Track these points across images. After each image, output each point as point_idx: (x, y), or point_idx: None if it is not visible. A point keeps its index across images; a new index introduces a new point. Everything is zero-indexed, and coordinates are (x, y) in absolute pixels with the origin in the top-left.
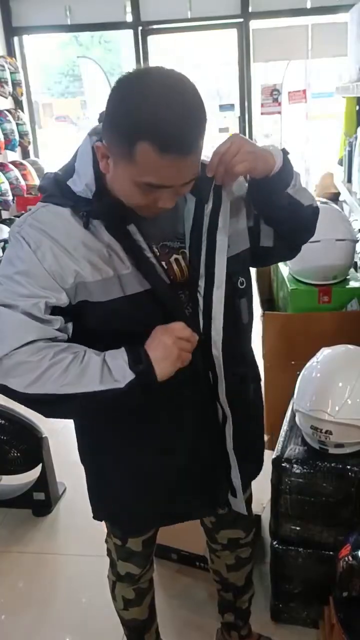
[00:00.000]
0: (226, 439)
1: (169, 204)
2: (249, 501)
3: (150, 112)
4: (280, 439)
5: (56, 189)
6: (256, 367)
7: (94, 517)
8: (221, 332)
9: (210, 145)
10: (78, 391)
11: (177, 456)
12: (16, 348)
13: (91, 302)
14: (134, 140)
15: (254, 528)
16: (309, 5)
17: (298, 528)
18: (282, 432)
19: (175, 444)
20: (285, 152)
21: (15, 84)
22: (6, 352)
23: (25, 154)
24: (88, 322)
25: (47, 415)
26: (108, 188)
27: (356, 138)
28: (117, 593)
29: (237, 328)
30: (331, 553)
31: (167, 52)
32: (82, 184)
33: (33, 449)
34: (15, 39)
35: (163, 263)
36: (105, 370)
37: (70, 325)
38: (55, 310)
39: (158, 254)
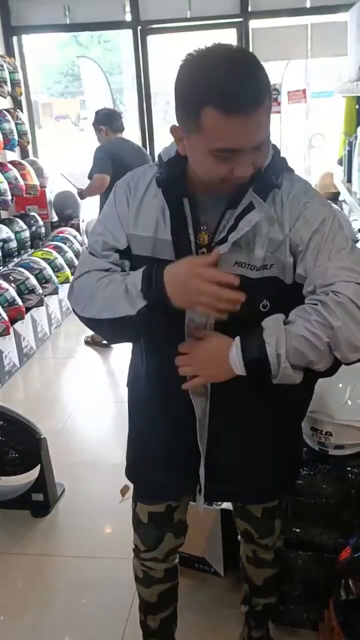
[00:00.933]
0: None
1: (245, 172)
2: (273, 510)
3: (211, 77)
4: None
5: (159, 154)
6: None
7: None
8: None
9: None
10: (104, 317)
11: (161, 435)
12: (77, 277)
13: (132, 252)
14: (199, 108)
15: (277, 536)
16: (308, 5)
17: (298, 530)
18: None
19: (160, 426)
20: (253, 366)
21: (14, 84)
22: (72, 281)
23: (24, 154)
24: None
25: (109, 341)
26: (188, 168)
27: (356, 137)
28: (133, 563)
29: None
30: (331, 555)
31: (167, 52)
32: (169, 149)
33: (32, 449)
34: (14, 38)
35: (205, 250)
36: (125, 296)
37: (127, 263)
38: (114, 250)
39: (207, 241)
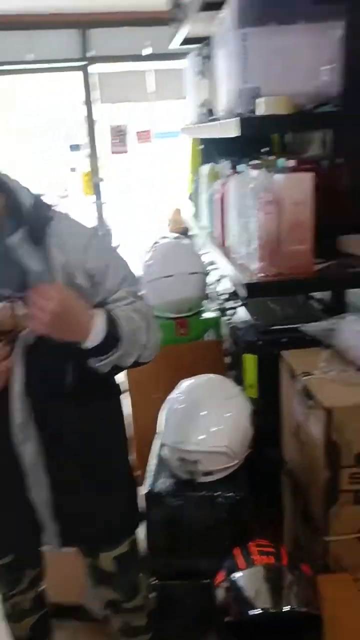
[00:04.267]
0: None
1: None
2: (127, 560)
3: None
4: (150, 473)
5: None
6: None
7: None
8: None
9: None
10: None
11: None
12: None
13: None
14: None
15: (141, 591)
16: (147, 52)
17: (175, 560)
18: (151, 467)
19: None
20: (111, 332)
21: None
22: None
23: None
24: None
25: None
26: None
27: (199, 176)
28: (2, 604)
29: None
30: (208, 581)
31: (9, 95)
32: None
33: None
34: None
35: None
36: None
37: None
38: None
39: None
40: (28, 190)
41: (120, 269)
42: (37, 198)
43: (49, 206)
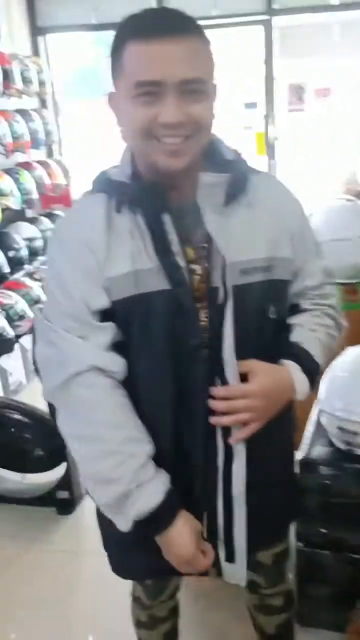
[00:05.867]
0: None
1: (171, 117)
2: (283, 555)
3: (132, 17)
4: (306, 439)
5: (96, 181)
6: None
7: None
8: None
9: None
10: (87, 484)
11: None
12: (66, 378)
13: (112, 299)
14: (121, 49)
15: (286, 580)
16: (336, 2)
17: (325, 530)
18: (307, 433)
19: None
20: (314, 376)
21: (40, 84)
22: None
23: (50, 153)
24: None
25: None
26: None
27: None
28: (132, 609)
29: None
30: (359, 556)
31: None
32: (119, 170)
33: (57, 447)
34: (40, 38)
35: (196, 267)
36: (120, 505)
37: (115, 333)
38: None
39: (194, 256)
40: (227, 146)
41: (312, 235)
42: (237, 153)
43: (247, 162)
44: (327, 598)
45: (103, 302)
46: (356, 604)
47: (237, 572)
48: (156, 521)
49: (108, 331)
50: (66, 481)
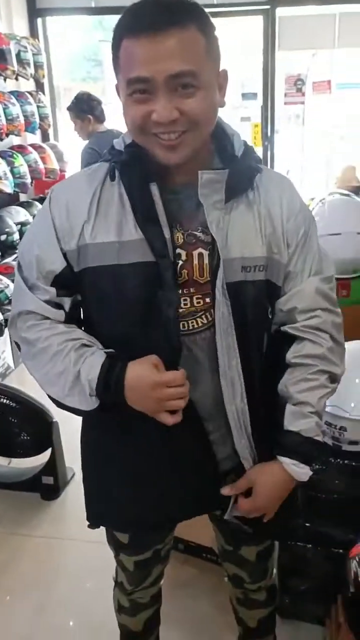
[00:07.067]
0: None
1: (163, 115)
2: (267, 551)
3: (128, 11)
4: None
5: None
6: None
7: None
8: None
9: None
10: (48, 392)
11: (162, 454)
12: (16, 315)
13: (89, 265)
14: (118, 43)
15: (269, 576)
16: None
17: (308, 524)
18: None
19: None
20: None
21: (37, 66)
22: (12, 317)
23: (45, 137)
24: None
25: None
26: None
27: None
28: (114, 594)
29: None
30: (341, 550)
31: None
32: (121, 139)
33: (43, 433)
34: (39, 20)
35: (181, 252)
36: (76, 387)
37: (67, 301)
38: (52, 275)
39: (182, 240)
40: (239, 136)
41: (317, 251)
42: (247, 146)
43: (258, 158)
44: (308, 591)
45: (56, 267)
46: (337, 597)
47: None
48: (111, 377)
49: (52, 295)
50: (51, 467)
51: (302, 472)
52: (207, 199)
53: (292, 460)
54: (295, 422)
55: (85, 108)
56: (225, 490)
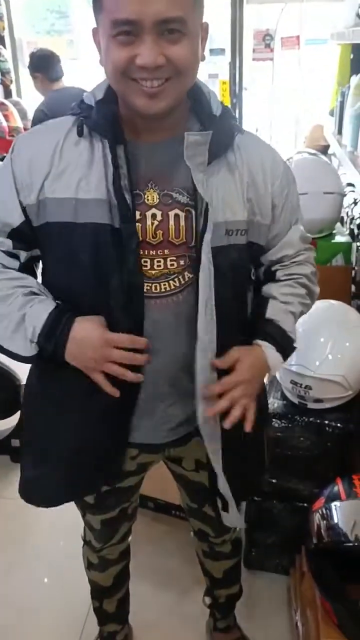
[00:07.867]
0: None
1: (148, 59)
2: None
3: None
4: None
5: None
6: None
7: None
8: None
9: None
10: None
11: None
12: None
13: (49, 223)
14: None
15: (234, 535)
16: None
17: (274, 480)
18: None
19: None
20: (288, 352)
21: None
22: None
23: (7, 94)
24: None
25: None
26: (120, 112)
27: (349, 88)
28: (83, 552)
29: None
30: (305, 505)
31: None
32: (90, 94)
33: (10, 396)
34: None
35: (157, 212)
36: (19, 331)
37: (23, 254)
38: (8, 228)
39: (157, 200)
40: (216, 95)
41: (296, 203)
42: (225, 107)
43: (235, 118)
44: (273, 543)
45: (13, 221)
46: (301, 549)
47: (233, 518)
48: (57, 325)
49: (8, 246)
50: (20, 429)
51: (276, 359)
52: (192, 161)
53: (270, 345)
54: (277, 314)
55: (36, 65)
56: (217, 363)
